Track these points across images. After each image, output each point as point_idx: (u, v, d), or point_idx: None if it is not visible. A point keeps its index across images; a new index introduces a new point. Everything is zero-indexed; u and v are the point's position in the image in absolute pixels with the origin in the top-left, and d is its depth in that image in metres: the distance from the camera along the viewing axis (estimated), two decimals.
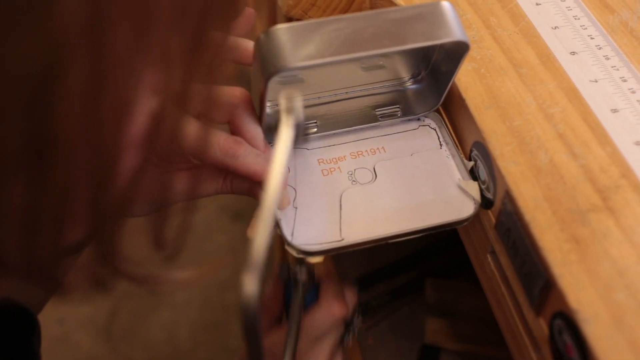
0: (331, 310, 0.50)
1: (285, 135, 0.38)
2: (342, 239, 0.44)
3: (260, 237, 0.34)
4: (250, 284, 0.32)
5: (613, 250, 0.38)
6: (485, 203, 0.45)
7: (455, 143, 0.49)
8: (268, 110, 0.45)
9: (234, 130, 0.46)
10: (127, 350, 1.35)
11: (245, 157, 0.43)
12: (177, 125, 0.28)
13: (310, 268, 0.50)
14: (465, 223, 0.46)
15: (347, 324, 0.54)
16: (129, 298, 1.42)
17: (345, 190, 0.47)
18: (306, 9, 0.57)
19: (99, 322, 1.39)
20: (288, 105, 0.39)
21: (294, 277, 0.50)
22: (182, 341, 1.36)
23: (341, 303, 0.51)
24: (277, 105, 0.47)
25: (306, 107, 0.51)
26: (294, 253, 0.44)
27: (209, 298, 1.41)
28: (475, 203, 0.46)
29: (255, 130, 0.45)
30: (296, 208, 0.46)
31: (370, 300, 0.76)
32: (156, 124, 0.27)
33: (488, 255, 0.45)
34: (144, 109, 0.26)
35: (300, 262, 0.49)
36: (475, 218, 0.46)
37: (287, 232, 0.44)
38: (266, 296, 0.54)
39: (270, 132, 0.39)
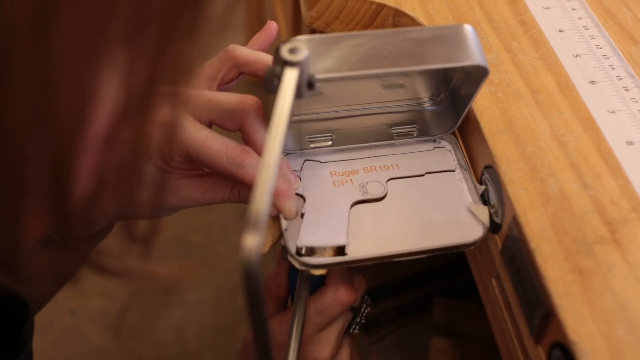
0: (338, 294, 0.49)
1: (287, 84, 0.36)
2: (346, 254, 0.44)
3: (260, 191, 0.32)
4: (252, 241, 0.30)
5: (617, 284, 0.37)
6: (493, 227, 0.45)
7: (469, 167, 0.49)
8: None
9: (245, 138, 0.46)
10: (136, 346, 1.36)
11: (253, 166, 0.44)
12: (142, 127, 0.27)
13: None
14: (472, 247, 0.45)
15: (355, 312, 0.53)
16: (141, 295, 1.43)
17: (354, 201, 0.47)
18: (329, 21, 0.57)
19: (110, 316, 1.40)
20: (292, 55, 0.36)
21: None
22: (190, 342, 1.37)
23: (349, 288, 0.49)
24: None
25: (322, 120, 0.51)
26: (296, 265, 0.44)
27: (220, 301, 1.41)
28: (484, 228, 0.45)
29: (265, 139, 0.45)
30: (303, 218, 0.46)
31: (377, 315, 0.76)
32: (118, 125, 0.26)
33: (493, 280, 0.45)
34: (106, 107, 0.25)
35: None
36: (482, 242, 0.46)
37: (291, 243, 0.44)
38: (269, 278, 0.52)
39: (273, 91, 0.37)
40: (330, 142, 0.51)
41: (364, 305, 0.54)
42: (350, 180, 0.49)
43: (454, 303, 0.75)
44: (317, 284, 0.50)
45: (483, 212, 0.46)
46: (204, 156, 0.43)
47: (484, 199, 0.46)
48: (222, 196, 0.46)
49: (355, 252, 0.45)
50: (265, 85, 0.37)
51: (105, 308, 1.41)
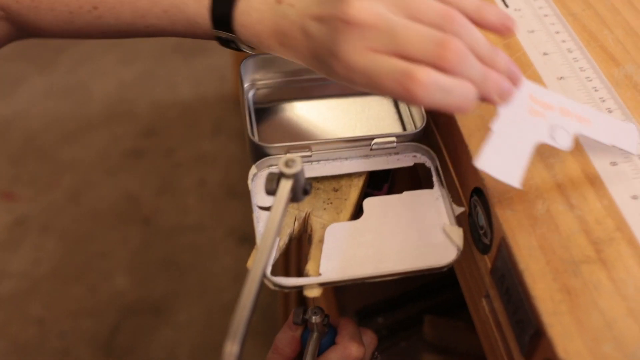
0: (346, 351, 0.50)
1: (282, 194, 0.40)
2: (320, 275, 0.45)
3: (244, 301, 0.36)
4: (231, 350, 0.35)
5: (603, 302, 0.38)
6: (482, 248, 0.46)
7: (444, 185, 0.50)
8: (274, 169, 0.49)
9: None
10: None
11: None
12: None
13: (323, 312, 0.51)
14: (445, 269, 0.46)
15: None
16: (132, 315, 1.43)
17: (329, 224, 0.49)
18: None
19: (100, 337, 1.40)
20: (287, 169, 0.40)
21: (309, 321, 0.50)
22: None
23: (358, 344, 0.51)
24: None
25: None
26: (270, 286, 0.45)
27: (212, 320, 1.41)
28: (457, 250, 0.46)
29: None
30: (279, 238, 0.47)
31: None
32: None
33: (483, 299, 0.46)
34: None
35: (315, 311, 0.50)
36: (472, 262, 0.47)
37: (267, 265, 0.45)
38: (283, 343, 0.53)
39: (272, 193, 0.41)
40: (309, 154, 0.51)
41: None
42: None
43: (444, 321, 0.75)
44: (328, 343, 0.52)
45: (457, 234, 0.47)
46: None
47: (472, 220, 0.47)
48: None
49: (328, 274, 0.46)
50: (265, 188, 0.42)
51: (95, 329, 1.41)
